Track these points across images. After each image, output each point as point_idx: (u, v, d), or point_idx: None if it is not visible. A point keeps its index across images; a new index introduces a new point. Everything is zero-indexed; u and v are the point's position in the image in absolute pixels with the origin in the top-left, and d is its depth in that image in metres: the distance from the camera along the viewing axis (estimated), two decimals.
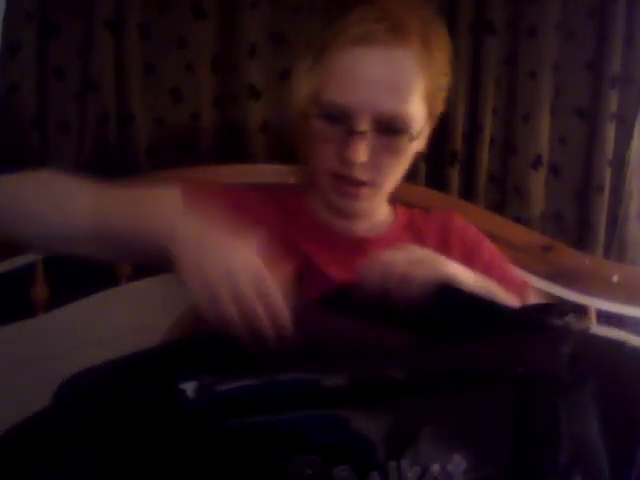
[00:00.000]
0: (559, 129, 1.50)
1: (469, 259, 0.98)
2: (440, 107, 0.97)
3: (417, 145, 0.96)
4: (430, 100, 0.92)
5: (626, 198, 1.51)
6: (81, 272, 1.27)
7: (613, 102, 1.48)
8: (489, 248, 1.05)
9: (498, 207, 1.49)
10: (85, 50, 1.28)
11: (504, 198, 1.50)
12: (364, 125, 0.87)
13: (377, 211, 1.02)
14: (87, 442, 0.64)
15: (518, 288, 0.98)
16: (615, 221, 1.51)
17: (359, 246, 0.98)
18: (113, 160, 1.31)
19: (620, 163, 1.50)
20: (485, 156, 1.47)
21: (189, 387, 0.64)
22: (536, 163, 1.48)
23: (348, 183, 0.91)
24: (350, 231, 1.00)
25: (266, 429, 0.64)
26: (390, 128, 0.88)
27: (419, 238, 1.02)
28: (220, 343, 0.72)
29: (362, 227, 1.01)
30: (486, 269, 0.97)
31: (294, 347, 0.71)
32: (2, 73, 1.24)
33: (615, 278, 1.36)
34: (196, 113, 1.35)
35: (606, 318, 1.38)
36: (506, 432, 0.67)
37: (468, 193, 1.47)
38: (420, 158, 1.43)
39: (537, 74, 1.46)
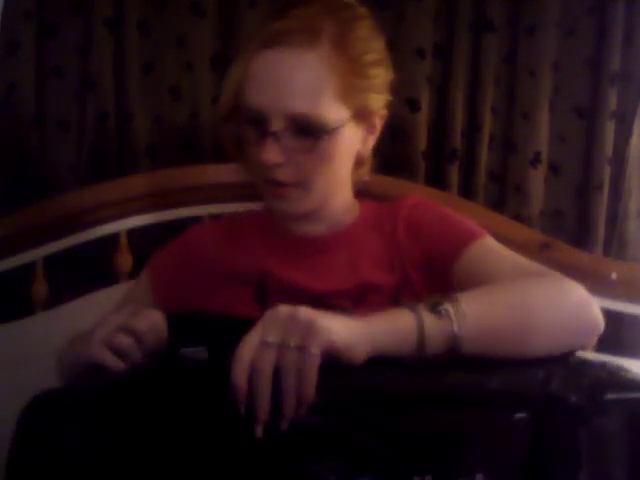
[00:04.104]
0: (558, 127, 1.50)
1: (414, 236, 0.98)
2: (374, 107, 0.96)
3: (351, 146, 0.95)
4: (351, 100, 0.91)
5: (625, 196, 1.51)
6: (81, 270, 1.28)
7: (612, 100, 1.47)
8: (432, 215, 1.01)
9: (497, 205, 1.49)
10: (84, 49, 1.28)
11: (504, 196, 1.50)
12: (275, 126, 0.88)
13: (332, 211, 1.01)
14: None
15: (463, 237, 0.96)
16: (614, 219, 1.51)
17: (317, 246, 1.00)
18: (112, 158, 1.31)
19: (619, 161, 1.50)
20: (485, 154, 1.47)
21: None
22: (535, 161, 1.48)
23: (273, 185, 0.92)
24: (308, 232, 1.01)
25: (291, 431, 0.65)
26: (303, 129, 0.89)
27: (380, 229, 1.02)
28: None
29: (318, 228, 1.01)
30: (430, 237, 0.97)
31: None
32: (1, 72, 1.25)
33: (614, 276, 1.36)
34: (195, 112, 1.35)
35: (605, 316, 1.38)
36: (526, 456, 0.68)
37: (467, 191, 1.47)
38: (419, 156, 1.44)
39: (536, 72, 1.46)
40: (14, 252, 1.19)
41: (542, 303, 0.80)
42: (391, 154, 1.39)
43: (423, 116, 1.43)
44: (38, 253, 1.21)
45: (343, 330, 0.69)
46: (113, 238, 1.25)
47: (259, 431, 0.64)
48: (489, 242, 0.97)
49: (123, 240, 1.26)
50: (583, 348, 0.83)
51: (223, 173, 1.28)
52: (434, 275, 0.96)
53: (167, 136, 1.35)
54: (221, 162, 1.30)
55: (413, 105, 1.42)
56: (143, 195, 1.24)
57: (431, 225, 0.99)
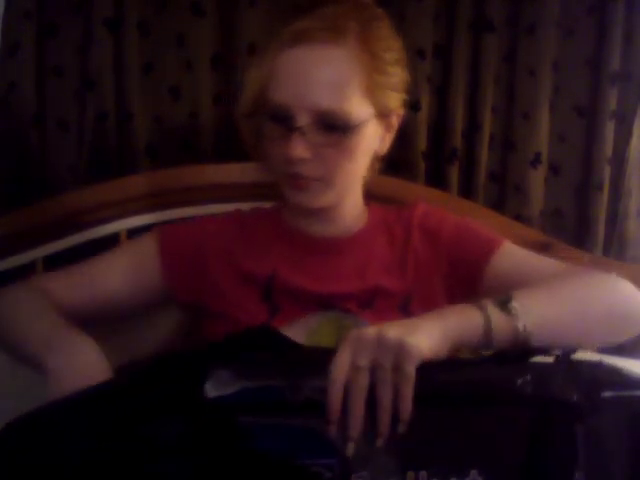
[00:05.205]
0: (558, 127, 1.50)
1: (431, 243, 1.01)
2: (393, 106, 0.98)
3: (371, 144, 0.97)
4: (374, 97, 0.93)
5: (625, 196, 1.51)
6: None
7: (612, 100, 1.48)
8: (449, 224, 1.04)
9: (498, 205, 1.49)
10: (84, 48, 1.28)
11: (504, 196, 1.50)
12: (302, 121, 0.90)
13: (345, 213, 1.03)
14: None
15: (487, 245, 1.01)
16: (614, 219, 1.51)
17: (327, 247, 1.01)
18: (112, 158, 1.31)
19: (619, 161, 1.50)
20: (484, 154, 1.47)
21: (210, 383, 0.66)
22: (535, 161, 1.48)
23: (295, 178, 0.94)
24: (317, 231, 1.02)
25: (287, 429, 0.66)
26: (329, 124, 0.90)
27: (390, 236, 1.03)
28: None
29: (329, 229, 1.02)
30: (452, 245, 1.01)
31: None
32: (1, 72, 1.24)
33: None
34: (195, 111, 1.35)
35: None
36: (522, 454, 0.69)
37: (468, 191, 1.47)
38: (419, 156, 1.44)
39: (536, 72, 1.46)
40: (14, 252, 1.19)
41: (597, 295, 0.88)
42: (391, 154, 1.38)
43: (423, 116, 1.43)
44: (38, 253, 1.21)
45: (428, 341, 0.72)
46: (113, 238, 1.25)
47: (351, 449, 0.67)
48: (511, 246, 1.02)
49: (123, 240, 1.25)
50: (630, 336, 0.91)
51: (223, 173, 1.28)
52: (458, 282, 0.99)
53: (167, 136, 1.35)
54: (221, 162, 1.30)
55: (413, 105, 1.42)
56: (143, 195, 1.24)
57: (449, 234, 1.02)
